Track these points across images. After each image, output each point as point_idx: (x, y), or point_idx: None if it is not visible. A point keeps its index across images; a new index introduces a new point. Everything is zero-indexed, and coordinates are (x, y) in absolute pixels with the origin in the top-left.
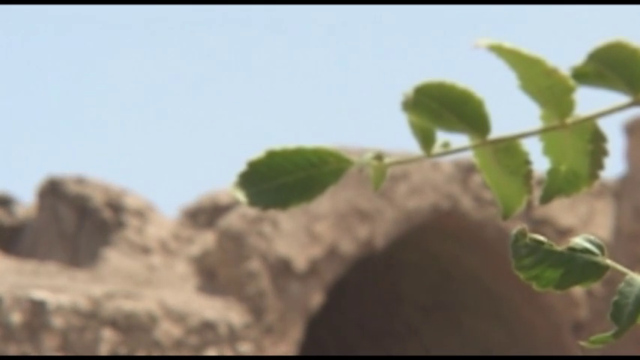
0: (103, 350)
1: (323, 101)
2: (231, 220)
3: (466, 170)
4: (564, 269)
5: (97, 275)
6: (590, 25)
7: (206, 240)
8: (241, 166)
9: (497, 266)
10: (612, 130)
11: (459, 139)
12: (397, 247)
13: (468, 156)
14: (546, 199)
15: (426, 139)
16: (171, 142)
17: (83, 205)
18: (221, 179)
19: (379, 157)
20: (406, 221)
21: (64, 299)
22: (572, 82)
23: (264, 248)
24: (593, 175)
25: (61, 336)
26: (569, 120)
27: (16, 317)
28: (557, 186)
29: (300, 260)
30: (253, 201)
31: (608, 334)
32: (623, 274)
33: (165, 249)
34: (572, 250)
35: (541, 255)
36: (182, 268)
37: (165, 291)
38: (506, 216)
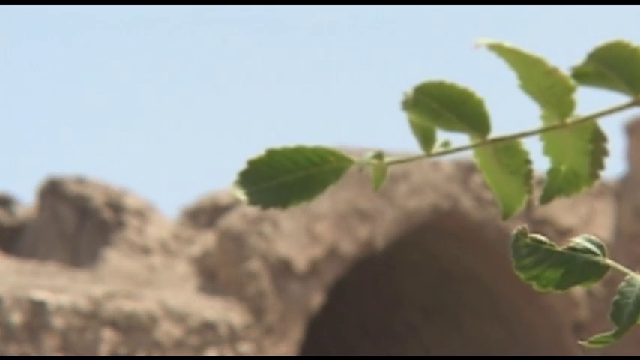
0: (104, 350)
1: (323, 101)
2: (232, 221)
3: (466, 170)
4: (564, 269)
5: (98, 275)
6: (590, 25)
7: (206, 240)
8: (241, 166)
9: (497, 266)
10: (612, 130)
11: (459, 139)
12: (397, 247)
13: (468, 156)
14: (546, 199)
15: (426, 139)
16: (171, 142)
17: (83, 205)
18: (221, 179)
19: (379, 156)
20: (406, 221)
21: (64, 299)
22: (572, 82)
23: (265, 248)
24: (593, 175)
25: (61, 336)
26: (569, 120)
27: (16, 317)
28: (557, 186)
29: (300, 260)
30: (253, 200)
31: (609, 334)
32: (624, 274)
33: (166, 249)
34: (573, 249)
35: (541, 255)
36: (182, 268)
37: (166, 291)
38: (506, 216)
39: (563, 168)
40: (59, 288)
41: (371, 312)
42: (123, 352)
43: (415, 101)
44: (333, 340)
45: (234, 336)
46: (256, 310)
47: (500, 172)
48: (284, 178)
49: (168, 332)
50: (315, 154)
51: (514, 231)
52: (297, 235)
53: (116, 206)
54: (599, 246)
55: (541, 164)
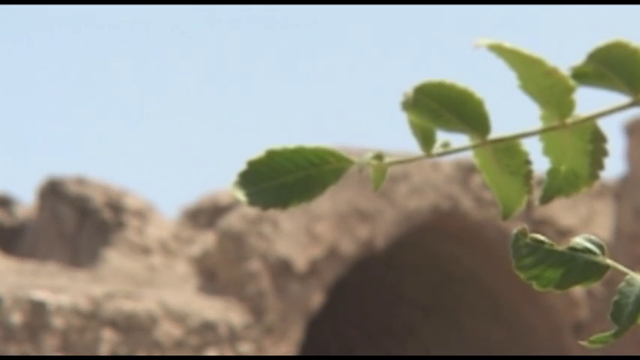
0: (103, 350)
1: (323, 101)
2: (232, 221)
3: (466, 170)
4: (565, 269)
5: (97, 275)
6: (590, 25)
7: (206, 240)
8: (241, 166)
9: (497, 266)
10: (612, 130)
11: (459, 139)
12: (397, 247)
13: (468, 156)
14: (546, 199)
15: (426, 139)
16: (171, 142)
17: (83, 205)
18: (221, 179)
19: (379, 157)
20: (406, 221)
21: (64, 299)
22: (572, 82)
23: (265, 248)
24: (593, 176)
25: (61, 336)
26: (569, 120)
27: (16, 317)
28: (557, 186)
29: (300, 260)
30: (253, 200)
31: (608, 334)
32: (624, 274)
33: (166, 249)
34: (573, 249)
35: (541, 255)
36: (182, 268)
37: (166, 291)
38: (506, 216)
39: (563, 168)
40: (59, 288)
41: (371, 312)
42: (123, 352)
43: (415, 101)
44: (333, 340)
45: (234, 336)
46: (256, 310)
47: (500, 172)
48: (284, 178)
49: (168, 332)
50: (314, 154)
51: (514, 231)
52: (297, 236)
53: (116, 206)
54: (599, 246)
55: (541, 164)
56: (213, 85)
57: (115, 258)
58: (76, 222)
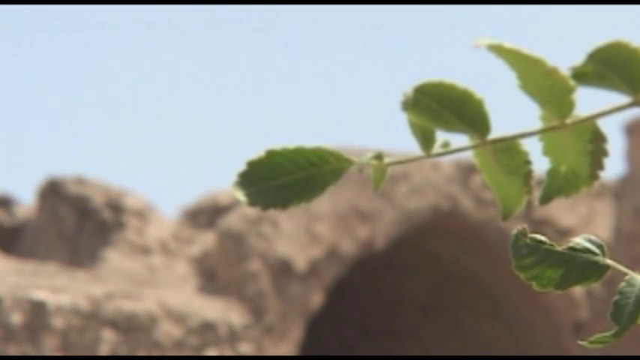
0: (103, 350)
1: (323, 101)
2: (232, 221)
3: (466, 170)
4: (564, 269)
5: (97, 275)
6: (590, 25)
7: (206, 240)
8: (241, 166)
9: (497, 266)
10: (612, 130)
11: (459, 139)
12: (397, 247)
13: (468, 156)
14: (546, 199)
15: (426, 139)
16: (171, 142)
17: (83, 205)
18: (221, 179)
19: (379, 157)
20: (406, 222)
21: (64, 299)
22: (572, 82)
23: (264, 248)
24: (593, 176)
25: (61, 336)
26: (569, 120)
27: (16, 317)
28: (557, 186)
29: (300, 260)
30: (253, 201)
31: (608, 334)
32: (624, 274)
33: (166, 249)
34: (573, 250)
35: (541, 255)
36: (182, 268)
37: (166, 291)
38: (506, 216)
39: (563, 168)
40: (59, 288)
41: (371, 312)
42: (123, 352)
43: (415, 101)
44: (334, 340)
45: (234, 336)
46: (256, 310)
47: (500, 172)
48: (284, 178)
49: (168, 332)
50: (314, 154)
51: (514, 231)
52: (297, 236)
53: (116, 206)
54: (599, 246)
55: (541, 164)
56: (213, 85)
57: (114, 258)
58: (76, 222)
